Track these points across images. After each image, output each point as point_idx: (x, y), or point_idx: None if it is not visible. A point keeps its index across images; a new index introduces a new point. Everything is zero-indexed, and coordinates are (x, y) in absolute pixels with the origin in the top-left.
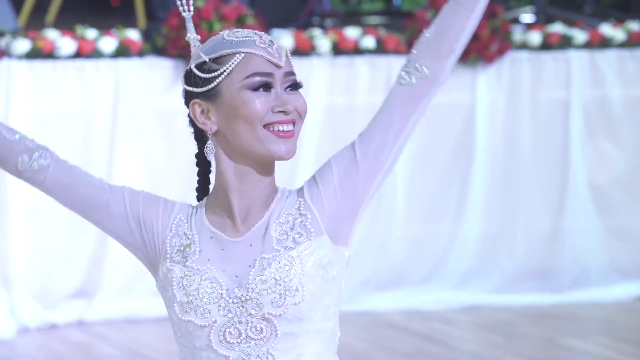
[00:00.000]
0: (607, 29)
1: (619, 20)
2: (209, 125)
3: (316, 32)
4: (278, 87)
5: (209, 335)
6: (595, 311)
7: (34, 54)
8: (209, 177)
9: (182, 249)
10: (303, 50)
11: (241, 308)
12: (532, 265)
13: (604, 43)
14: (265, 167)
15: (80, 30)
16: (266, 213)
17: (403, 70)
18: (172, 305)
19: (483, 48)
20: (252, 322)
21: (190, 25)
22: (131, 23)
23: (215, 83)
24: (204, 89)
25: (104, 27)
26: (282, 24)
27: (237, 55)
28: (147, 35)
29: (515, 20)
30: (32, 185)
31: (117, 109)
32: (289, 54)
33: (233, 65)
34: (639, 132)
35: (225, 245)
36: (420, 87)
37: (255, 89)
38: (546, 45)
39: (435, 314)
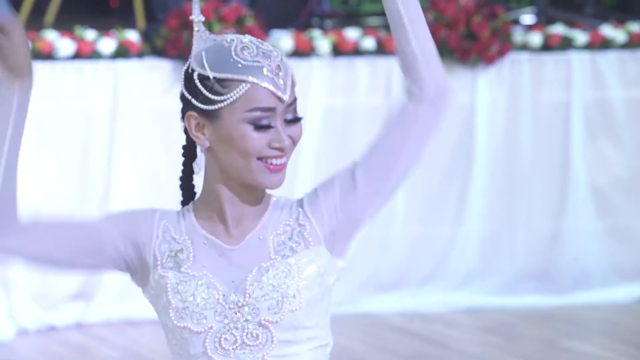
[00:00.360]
0: (607, 30)
1: (620, 22)
2: (202, 141)
3: (316, 33)
4: (278, 122)
5: (205, 342)
6: (595, 313)
7: (33, 55)
8: (192, 167)
9: (173, 255)
10: (303, 51)
11: (237, 314)
12: (532, 266)
13: (605, 44)
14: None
15: (79, 31)
16: (260, 221)
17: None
18: (167, 311)
19: (483, 49)
20: (248, 328)
21: (197, 5)
22: (130, 24)
23: (215, 107)
24: (204, 107)
25: (103, 28)
26: (282, 24)
27: (243, 84)
28: (146, 36)
29: (516, 22)
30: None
31: (117, 110)
32: (294, 78)
33: (237, 96)
34: (639, 133)
35: (222, 252)
36: (412, 107)
37: (256, 126)
38: (547, 46)
39: (436, 315)
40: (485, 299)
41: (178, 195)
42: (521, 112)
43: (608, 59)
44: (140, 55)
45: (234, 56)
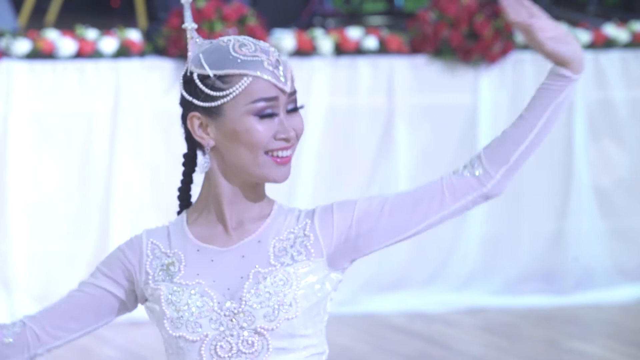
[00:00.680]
0: (611, 30)
1: (623, 21)
2: (207, 140)
3: (318, 32)
4: (281, 112)
5: (200, 350)
6: (598, 313)
7: (34, 54)
8: (192, 177)
9: (164, 268)
10: (305, 50)
11: (232, 321)
12: (535, 267)
13: (608, 43)
14: (258, 184)
15: (80, 30)
16: (262, 226)
17: (463, 163)
18: (162, 322)
19: (486, 48)
20: (243, 335)
21: (188, 13)
22: (132, 23)
23: (218, 103)
24: (206, 104)
25: (105, 28)
26: (284, 24)
27: (245, 78)
28: (148, 35)
29: None
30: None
31: (118, 110)
32: (293, 73)
33: (239, 90)
34: None
35: (214, 256)
36: (466, 182)
37: (260, 116)
38: None
39: (438, 316)
40: (488, 300)
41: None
42: None
43: (611, 59)
44: (141, 54)
45: (233, 53)
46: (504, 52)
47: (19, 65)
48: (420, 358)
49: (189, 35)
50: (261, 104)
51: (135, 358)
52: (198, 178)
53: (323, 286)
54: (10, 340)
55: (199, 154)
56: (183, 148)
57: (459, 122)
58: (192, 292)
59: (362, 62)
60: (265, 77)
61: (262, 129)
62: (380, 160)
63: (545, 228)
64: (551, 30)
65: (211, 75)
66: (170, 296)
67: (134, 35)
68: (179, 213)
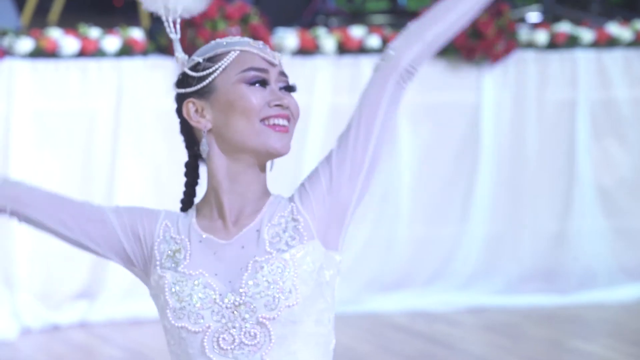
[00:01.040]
0: (614, 28)
1: (626, 20)
2: (203, 123)
3: (321, 31)
4: (273, 84)
5: (203, 341)
6: (601, 313)
7: (37, 53)
8: (195, 189)
9: (171, 255)
10: (307, 49)
11: (234, 313)
12: (537, 266)
13: (611, 42)
14: (258, 166)
15: (83, 29)
16: (258, 215)
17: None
18: (165, 311)
19: (489, 47)
20: (245, 327)
21: (177, 45)
22: (135, 22)
23: (210, 79)
24: (199, 86)
25: (108, 27)
26: (287, 23)
27: (232, 52)
28: (150, 34)
29: (522, 20)
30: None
31: (120, 108)
32: (281, 61)
33: (228, 61)
34: None
35: (216, 249)
36: (383, 72)
37: (252, 83)
38: (552, 44)
39: (440, 315)
40: (490, 299)
41: (180, 193)
42: (527, 110)
43: (614, 58)
44: (144, 53)
45: (220, 41)
46: (507, 51)
47: (21, 64)
48: (422, 357)
49: (180, 63)
50: (252, 73)
51: (137, 357)
52: (199, 190)
53: (321, 269)
54: None
55: (201, 164)
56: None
57: (461, 121)
58: (196, 282)
59: (365, 61)
60: (253, 50)
61: (254, 94)
62: (382, 159)
63: (547, 228)
64: None
65: (200, 60)
66: (174, 285)
67: (137, 34)
68: (182, 210)
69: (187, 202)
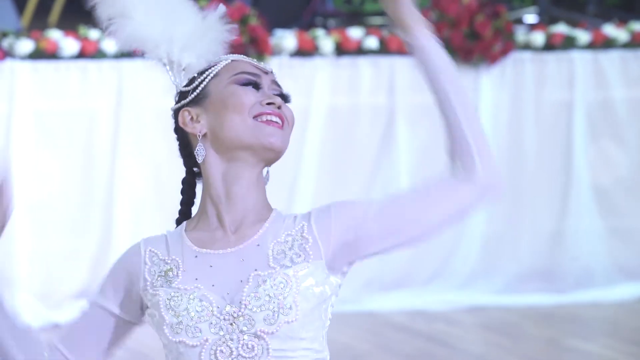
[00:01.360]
0: (610, 30)
1: (623, 21)
2: (199, 128)
3: (319, 32)
4: (266, 88)
5: (200, 355)
6: (598, 312)
7: (37, 54)
8: (191, 209)
9: (162, 274)
10: (306, 50)
11: (232, 325)
12: (535, 266)
13: (607, 43)
14: (255, 168)
15: (83, 30)
16: (261, 229)
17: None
18: (162, 328)
19: (486, 48)
20: (243, 339)
21: (176, 81)
22: None
23: (203, 85)
24: (192, 95)
25: None
26: (285, 24)
27: (224, 61)
28: None
29: (519, 21)
30: None
31: (120, 109)
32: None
33: (220, 67)
34: None
35: (213, 261)
36: (453, 182)
37: (244, 84)
38: (549, 45)
39: (439, 314)
40: (488, 298)
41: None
42: (524, 111)
43: (610, 59)
44: (144, 54)
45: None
46: (504, 52)
47: (22, 65)
48: (422, 356)
49: (177, 89)
50: (243, 75)
51: (137, 356)
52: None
53: (323, 289)
54: (46, 357)
55: (198, 182)
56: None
57: None
58: (191, 296)
59: (363, 62)
60: (245, 59)
61: (246, 92)
62: (381, 159)
63: (545, 227)
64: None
65: (195, 75)
66: (168, 301)
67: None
68: (178, 223)
69: (181, 221)
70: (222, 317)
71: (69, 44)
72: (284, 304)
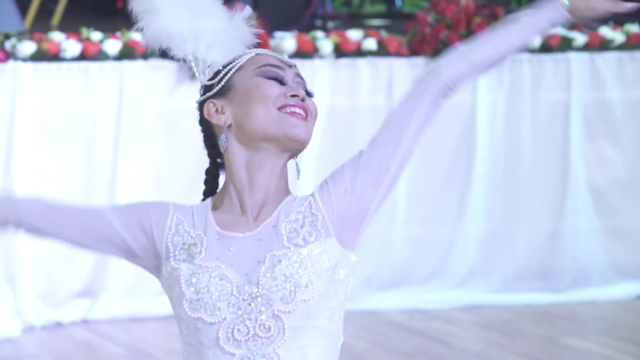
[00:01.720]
0: (606, 31)
1: (618, 23)
2: (224, 119)
3: (319, 34)
4: (290, 82)
5: (218, 332)
6: (595, 310)
7: (40, 55)
8: (218, 182)
9: (186, 248)
10: (305, 52)
11: (251, 305)
12: (532, 265)
13: (604, 45)
14: (279, 158)
15: (85, 32)
16: (275, 212)
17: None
18: (181, 302)
19: None
20: (261, 319)
21: (202, 77)
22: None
23: (227, 77)
24: (218, 87)
25: (109, 30)
26: (285, 26)
27: (248, 54)
28: None
29: None
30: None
31: (122, 110)
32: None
33: (245, 59)
34: (638, 133)
35: (233, 244)
36: (423, 84)
37: (268, 77)
38: (546, 47)
39: (437, 313)
40: (486, 297)
41: (182, 194)
42: (521, 112)
43: (607, 60)
44: (145, 56)
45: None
46: None
47: (24, 66)
48: (420, 354)
49: (201, 85)
50: (267, 67)
51: (138, 354)
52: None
53: (336, 267)
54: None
55: (221, 172)
56: (185, 147)
57: (457, 122)
58: (212, 274)
59: (362, 63)
60: (269, 53)
61: (271, 84)
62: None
63: (542, 227)
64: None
65: (220, 68)
66: (190, 277)
67: (138, 37)
68: (205, 197)
69: (210, 192)
70: (241, 297)
71: (70, 46)
72: (299, 283)
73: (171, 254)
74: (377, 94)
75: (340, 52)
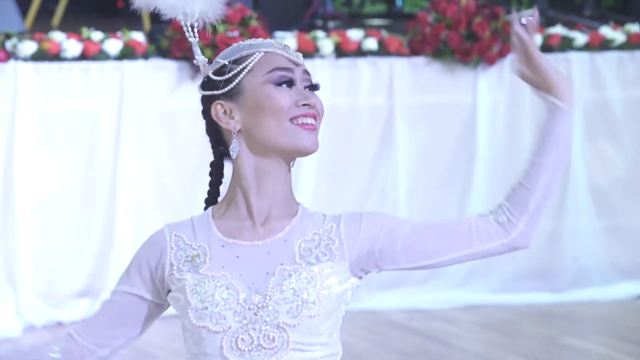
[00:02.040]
0: (606, 31)
1: (619, 23)
2: (233, 124)
3: (319, 33)
4: (298, 83)
5: (222, 341)
6: (595, 310)
7: (40, 55)
8: (219, 189)
9: (190, 260)
10: (306, 51)
11: (256, 315)
12: (532, 265)
13: (604, 45)
14: (285, 165)
15: (85, 32)
16: (288, 225)
17: (489, 209)
18: (186, 312)
19: (484, 50)
20: (265, 330)
21: (196, 49)
22: (136, 25)
23: (237, 81)
24: (226, 89)
25: (110, 30)
26: (286, 25)
27: (257, 53)
28: (151, 37)
29: None
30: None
31: (122, 110)
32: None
33: (254, 62)
34: (638, 133)
35: (240, 252)
36: (491, 228)
37: (278, 84)
38: (547, 46)
39: (437, 313)
40: (486, 297)
41: (182, 194)
42: (522, 112)
43: (607, 60)
44: (145, 55)
45: (243, 42)
46: (502, 53)
47: (25, 66)
48: (420, 354)
49: (201, 66)
50: (278, 73)
51: (139, 354)
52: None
53: (344, 289)
54: (58, 356)
55: (226, 162)
56: (186, 147)
57: (457, 122)
58: (218, 284)
59: (362, 63)
60: (277, 51)
61: (282, 95)
62: (380, 159)
63: (542, 227)
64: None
65: (225, 62)
66: (195, 286)
67: (138, 37)
68: (206, 205)
69: (211, 202)
70: (246, 307)
71: (71, 46)
72: (307, 299)
73: (175, 268)
74: (378, 94)
75: (340, 51)
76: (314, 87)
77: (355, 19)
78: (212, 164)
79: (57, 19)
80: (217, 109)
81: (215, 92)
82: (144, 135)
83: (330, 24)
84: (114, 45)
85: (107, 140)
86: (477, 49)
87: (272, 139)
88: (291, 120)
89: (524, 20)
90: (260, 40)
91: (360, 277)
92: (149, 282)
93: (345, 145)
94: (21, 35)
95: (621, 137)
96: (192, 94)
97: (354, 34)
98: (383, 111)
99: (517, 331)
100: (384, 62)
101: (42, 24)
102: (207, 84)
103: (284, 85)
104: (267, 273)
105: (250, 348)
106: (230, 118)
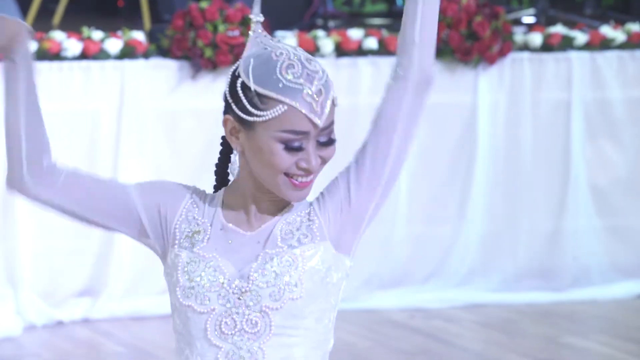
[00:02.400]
0: (607, 31)
1: (619, 22)
2: (235, 144)
3: (320, 33)
4: (310, 145)
5: (206, 323)
6: (595, 309)
7: (41, 55)
8: (227, 172)
9: (190, 235)
10: (307, 51)
11: (239, 299)
12: (533, 264)
13: (605, 44)
14: None
15: (86, 31)
16: (277, 215)
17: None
18: (175, 289)
19: (485, 49)
20: (248, 314)
21: (257, 6)
22: (137, 25)
23: (251, 119)
24: (241, 115)
25: (110, 29)
26: (286, 25)
27: (281, 105)
28: (152, 36)
29: (517, 22)
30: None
31: (123, 109)
32: (335, 100)
33: (273, 115)
34: (639, 133)
35: (233, 238)
36: (397, 88)
37: (287, 147)
38: (547, 46)
39: (438, 312)
40: (487, 296)
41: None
42: (522, 111)
43: (607, 59)
44: (146, 55)
45: (278, 74)
46: (503, 52)
47: None
48: (420, 353)
49: (252, 28)
50: (290, 136)
51: (139, 353)
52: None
53: (329, 270)
54: (52, 161)
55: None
56: (186, 147)
57: (458, 121)
58: (207, 265)
59: (363, 62)
60: (302, 110)
61: (285, 156)
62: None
63: (542, 226)
64: None
65: (252, 89)
66: (187, 264)
67: (139, 36)
68: (215, 189)
69: (220, 185)
70: (231, 290)
71: (71, 45)
72: (289, 282)
73: (177, 242)
74: (378, 93)
75: (341, 51)
76: (329, 142)
77: (355, 18)
78: (221, 152)
79: (57, 18)
80: (227, 124)
81: (232, 105)
82: (144, 135)
83: (331, 23)
84: (114, 45)
85: (108, 139)
86: (477, 49)
87: (264, 182)
88: (286, 174)
89: None
90: (295, 78)
91: (352, 252)
92: (151, 209)
93: (345, 144)
94: None
95: (622, 136)
96: (192, 94)
97: (355, 34)
98: None
99: (518, 330)
100: (384, 61)
101: (42, 23)
102: (233, 85)
103: (292, 149)
104: (252, 258)
105: (233, 332)
106: (235, 137)
